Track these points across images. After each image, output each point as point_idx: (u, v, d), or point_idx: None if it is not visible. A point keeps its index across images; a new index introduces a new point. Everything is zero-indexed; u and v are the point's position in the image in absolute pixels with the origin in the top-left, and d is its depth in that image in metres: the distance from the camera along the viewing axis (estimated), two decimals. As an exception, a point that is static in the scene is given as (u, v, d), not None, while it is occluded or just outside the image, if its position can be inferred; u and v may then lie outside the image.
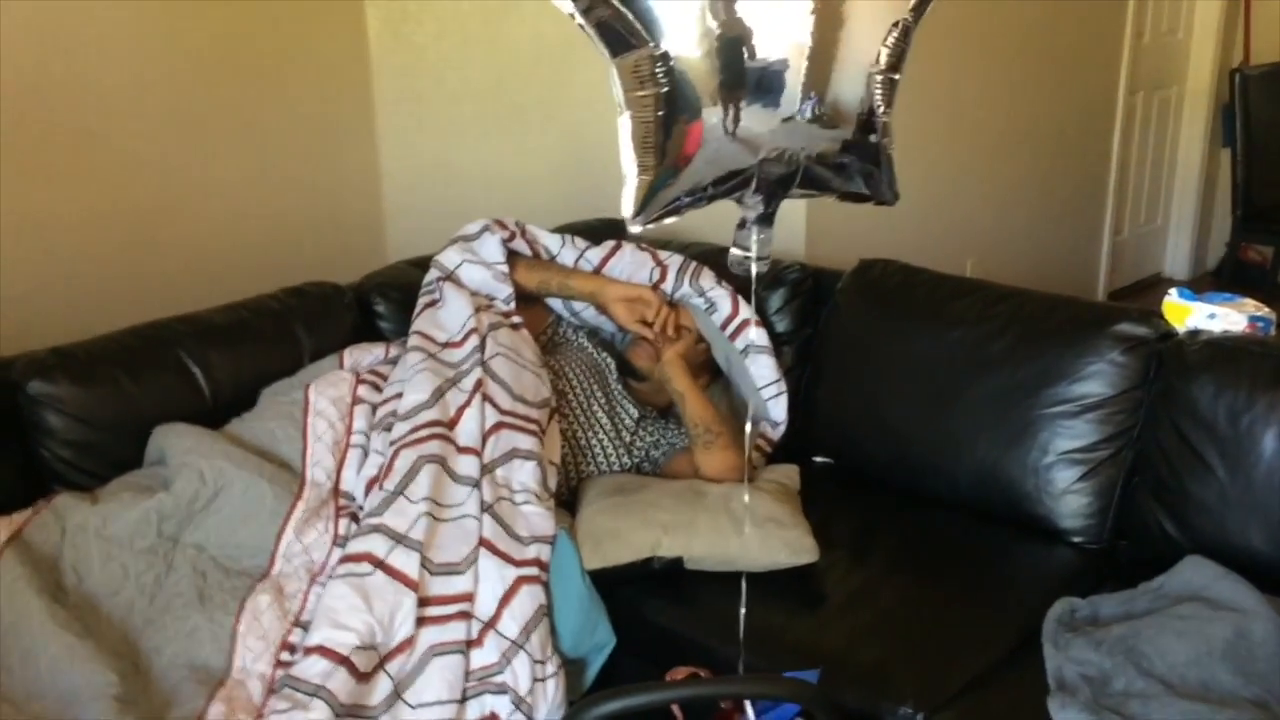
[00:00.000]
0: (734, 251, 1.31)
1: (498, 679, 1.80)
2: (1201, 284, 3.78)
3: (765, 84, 1.19)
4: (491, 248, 2.39)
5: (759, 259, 1.30)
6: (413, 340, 2.24)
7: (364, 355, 2.29)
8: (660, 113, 1.15)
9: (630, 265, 2.46)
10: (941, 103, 3.49)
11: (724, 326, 2.46)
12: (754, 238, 1.28)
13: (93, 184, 2.68)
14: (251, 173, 2.98)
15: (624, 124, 1.16)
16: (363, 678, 1.71)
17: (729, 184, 1.23)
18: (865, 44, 1.24)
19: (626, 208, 1.19)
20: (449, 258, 2.39)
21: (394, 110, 3.31)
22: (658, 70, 1.14)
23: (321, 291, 2.40)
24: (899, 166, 3.53)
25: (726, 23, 1.14)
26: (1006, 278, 2.45)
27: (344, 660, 1.69)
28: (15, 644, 1.69)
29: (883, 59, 1.25)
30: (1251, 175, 4.03)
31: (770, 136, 1.21)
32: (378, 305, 2.48)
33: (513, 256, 2.42)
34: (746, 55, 1.16)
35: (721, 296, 2.46)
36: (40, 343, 2.11)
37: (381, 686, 1.74)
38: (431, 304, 2.34)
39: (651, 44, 1.13)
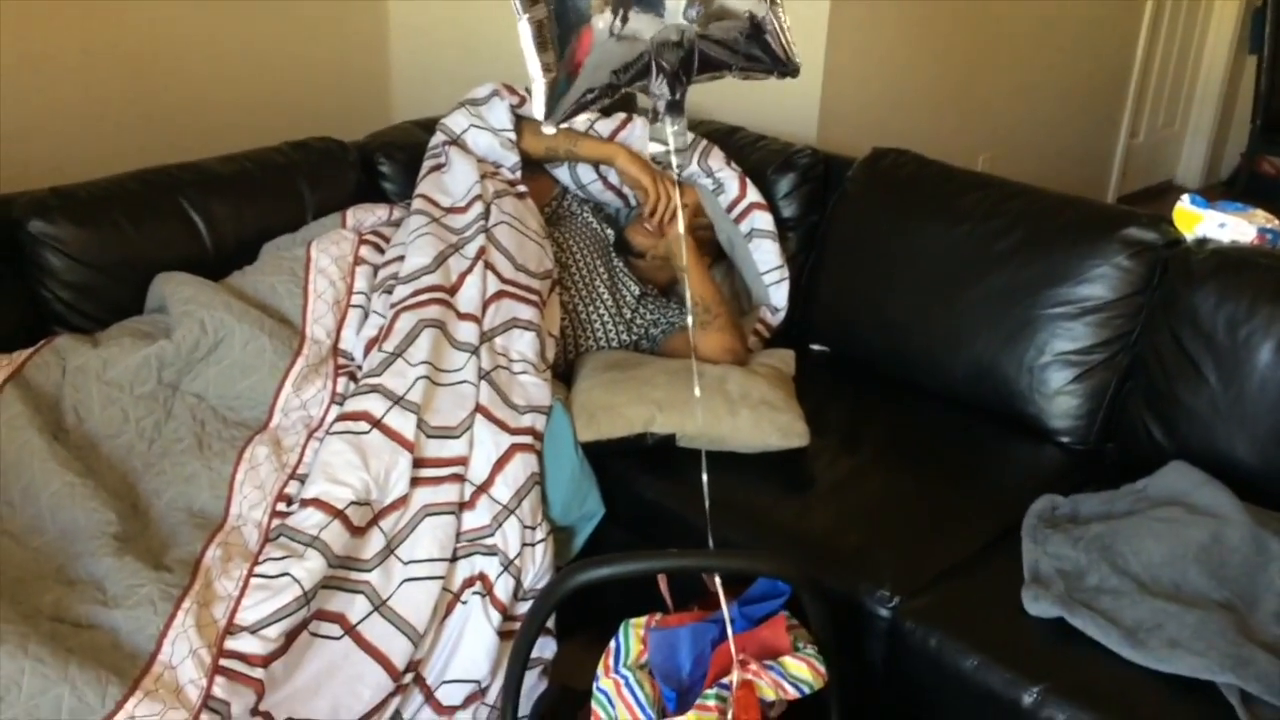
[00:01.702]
0: (653, 146, 1.31)
1: (488, 541, 1.84)
2: (1213, 193, 3.72)
3: None
4: (500, 113, 2.36)
5: (677, 150, 1.30)
6: (416, 203, 2.22)
7: (367, 215, 2.27)
8: (552, 8, 1.17)
9: (640, 139, 2.43)
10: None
11: (730, 209, 2.44)
12: (669, 129, 1.28)
13: (93, 24, 2.61)
14: (256, 22, 2.91)
15: (523, 29, 1.17)
16: (357, 531, 1.75)
17: (630, 73, 1.24)
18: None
19: (537, 109, 1.21)
20: (456, 121, 2.36)
21: (405, -37, 3.21)
22: None
23: (326, 147, 2.37)
24: (914, 53, 3.41)
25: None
26: (1018, 175, 2.42)
27: (339, 514, 1.73)
28: (16, 479, 1.73)
29: None
30: (1276, 84, 3.94)
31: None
32: (382, 165, 2.45)
33: (520, 122, 2.38)
34: None
35: (729, 178, 2.44)
36: (38, 182, 2.09)
37: (375, 541, 1.78)
38: (437, 168, 2.31)
39: None
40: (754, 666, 1.37)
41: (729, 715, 1.34)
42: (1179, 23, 4.73)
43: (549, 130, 1.22)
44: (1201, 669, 1.47)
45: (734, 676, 1.37)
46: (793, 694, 1.38)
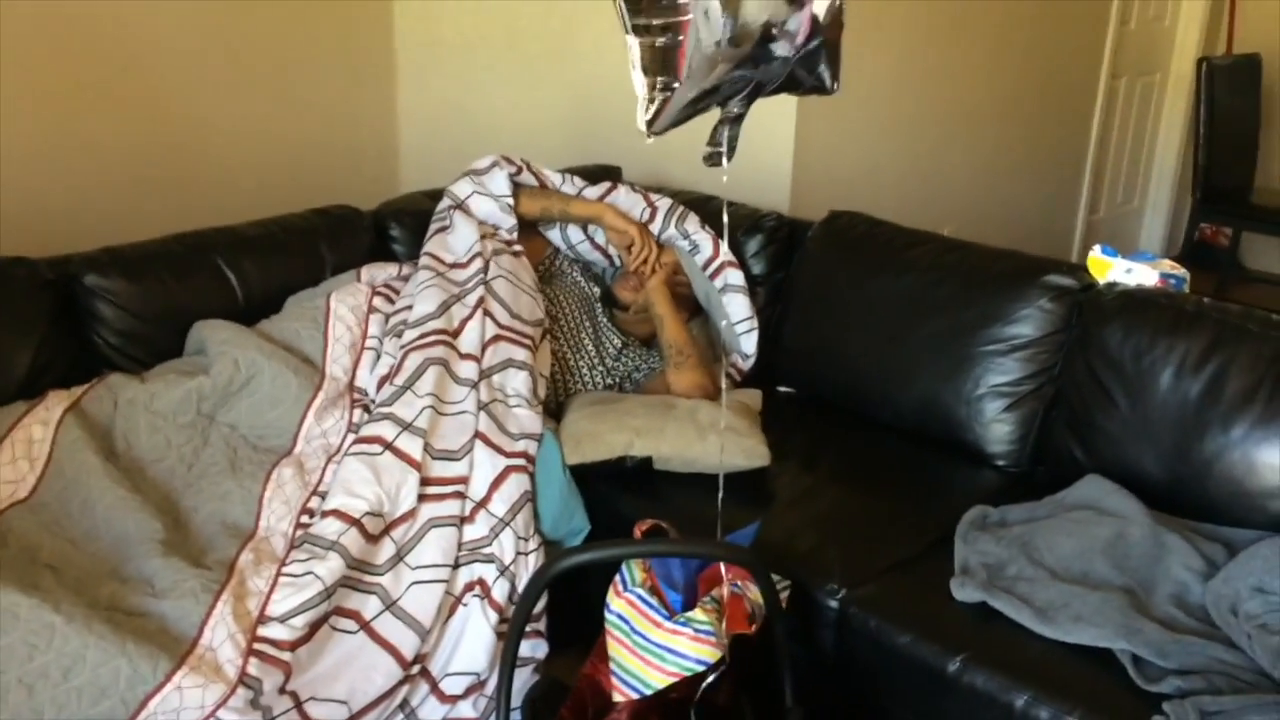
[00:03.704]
0: (707, 148, 1.52)
1: (486, 550, 2.08)
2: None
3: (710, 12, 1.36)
4: (499, 181, 2.65)
5: (727, 154, 1.52)
6: (423, 260, 2.51)
7: (379, 272, 2.55)
8: (662, 40, 1.34)
9: (624, 204, 2.72)
10: (926, 75, 3.72)
11: (705, 267, 2.73)
12: (725, 134, 1.50)
13: (132, 110, 2.94)
14: (279, 107, 3.24)
15: (632, 46, 1.35)
16: (371, 539, 1.99)
17: (719, 96, 1.43)
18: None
19: (640, 121, 1.39)
20: (460, 188, 2.66)
21: (413, 54, 3.56)
22: (662, 2, 1.33)
23: (343, 214, 2.67)
24: (881, 131, 3.68)
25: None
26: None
27: (356, 522, 1.97)
28: (76, 494, 1.98)
29: None
30: (1212, 160, 4.28)
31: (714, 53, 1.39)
32: (392, 229, 2.74)
33: (517, 189, 2.68)
34: None
35: (704, 240, 2.73)
36: (91, 244, 2.38)
37: (386, 549, 2.01)
38: (442, 229, 2.60)
39: None
40: (738, 585, 1.68)
41: (723, 618, 1.65)
42: (1132, 105, 5.07)
43: (649, 140, 1.42)
44: (1099, 638, 1.71)
45: (725, 590, 1.67)
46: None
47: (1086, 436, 2.22)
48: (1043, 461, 2.33)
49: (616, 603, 1.73)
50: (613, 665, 1.71)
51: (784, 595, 1.78)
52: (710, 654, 1.64)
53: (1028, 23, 4.15)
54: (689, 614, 1.66)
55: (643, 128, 1.40)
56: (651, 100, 1.38)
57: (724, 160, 1.52)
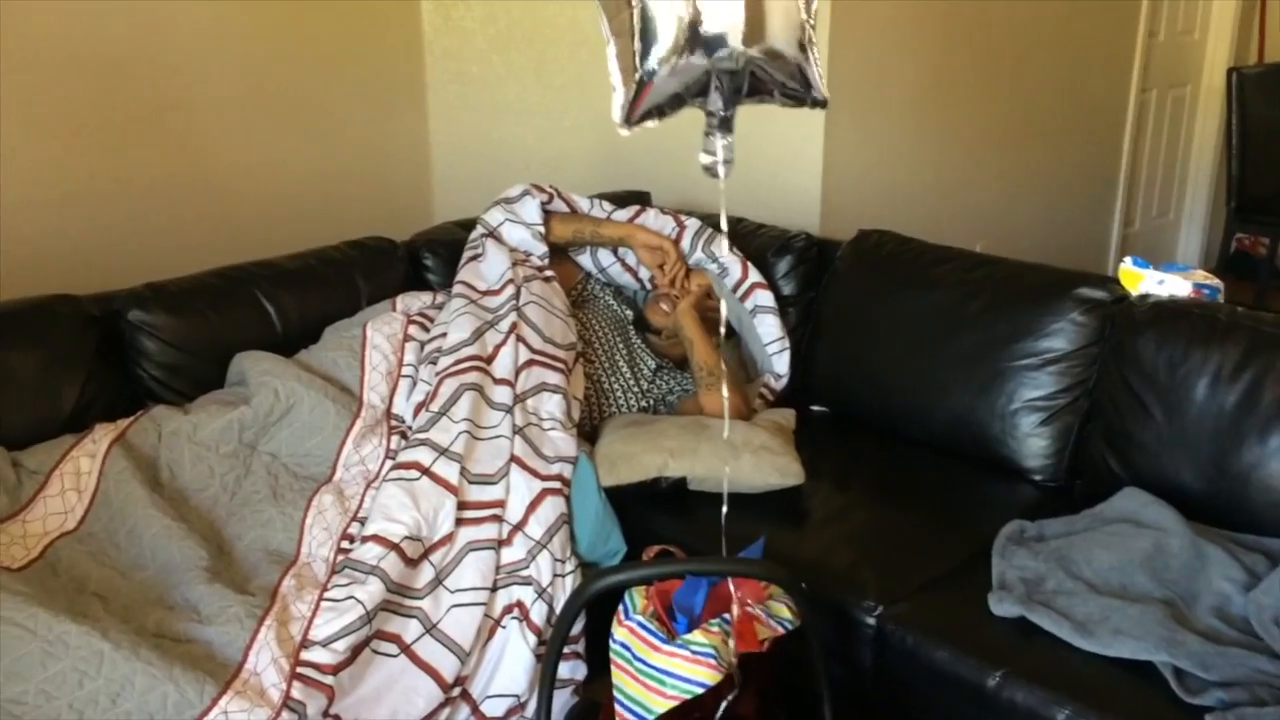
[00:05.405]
0: (703, 156, 1.51)
1: (524, 572, 2.10)
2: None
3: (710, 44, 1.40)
4: (530, 209, 2.69)
5: (725, 162, 1.50)
6: (457, 289, 2.55)
7: (414, 301, 2.59)
8: (637, 32, 1.38)
9: (653, 226, 2.75)
10: (953, 93, 3.73)
11: (735, 289, 2.75)
12: (719, 143, 1.50)
13: (172, 149, 3.02)
14: (316, 144, 3.31)
15: (610, 51, 1.41)
16: (410, 563, 2.02)
17: (692, 91, 1.44)
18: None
19: (615, 114, 1.42)
20: (492, 216, 2.70)
21: (443, 90, 3.62)
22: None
23: (378, 245, 2.72)
24: (909, 149, 3.68)
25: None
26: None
27: (395, 547, 2.00)
28: (122, 524, 2.03)
29: None
30: (1245, 169, 4.26)
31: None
32: (426, 259, 2.79)
33: (549, 215, 2.71)
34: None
35: (733, 262, 2.75)
36: (134, 280, 2.44)
37: (425, 573, 2.04)
38: (475, 258, 2.64)
39: None
40: (750, 605, 1.65)
41: (729, 641, 1.63)
42: (1164, 118, 5.04)
43: (624, 134, 1.44)
44: (1140, 651, 1.70)
45: (734, 610, 1.65)
46: (779, 630, 1.68)
47: (1123, 449, 2.21)
48: (1080, 475, 2.32)
49: (619, 632, 1.74)
50: (616, 694, 1.72)
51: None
52: (709, 675, 1.63)
53: (1054, 38, 4.15)
54: (687, 636, 1.65)
55: (617, 118, 1.42)
56: (626, 94, 1.41)
57: (720, 171, 1.50)
